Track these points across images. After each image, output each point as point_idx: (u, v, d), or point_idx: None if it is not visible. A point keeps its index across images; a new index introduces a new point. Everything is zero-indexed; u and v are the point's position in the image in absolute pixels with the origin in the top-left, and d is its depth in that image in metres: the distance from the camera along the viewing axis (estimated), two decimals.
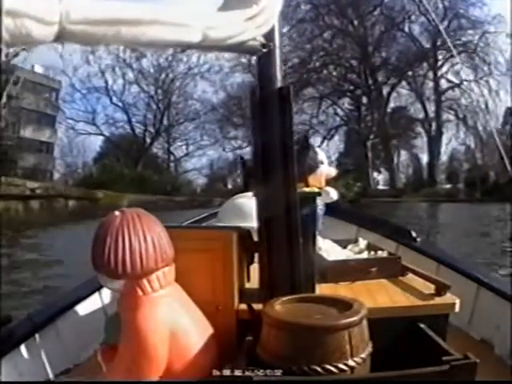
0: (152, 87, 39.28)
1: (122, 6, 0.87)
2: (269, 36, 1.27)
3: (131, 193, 26.25)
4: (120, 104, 39.31)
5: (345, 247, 1.95)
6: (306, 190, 1.66)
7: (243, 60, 35.12)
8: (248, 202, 1.89)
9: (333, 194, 1.90)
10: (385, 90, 38.40)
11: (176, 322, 1.15)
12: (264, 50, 1.28)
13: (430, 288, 1.49)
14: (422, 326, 1.31)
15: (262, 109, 1.32)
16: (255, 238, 1.42)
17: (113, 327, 1.24)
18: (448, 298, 1.42)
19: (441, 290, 1.44)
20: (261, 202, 1.36)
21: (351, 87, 39.16)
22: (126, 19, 0.86)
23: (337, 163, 39.45)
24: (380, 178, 39.74)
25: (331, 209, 2.06)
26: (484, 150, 34.99)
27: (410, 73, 37.39)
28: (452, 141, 38.28)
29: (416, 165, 39.70)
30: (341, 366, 1.01)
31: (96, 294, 2.09)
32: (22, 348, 1.64)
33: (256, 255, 1.44)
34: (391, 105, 38.80)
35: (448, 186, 37.13)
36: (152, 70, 38.78)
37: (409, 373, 1.01)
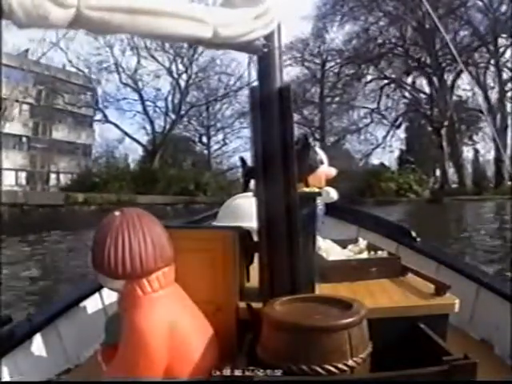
0: (170, 56, 30.11)
1: None
2: (269, 36, 1.27)
3: (133, 193, 21.68)
4: (131, 83, 30.28)
5: (345, 247, 1.95)
6: (306, 190, 1.66)
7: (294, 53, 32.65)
8: (248, 201, 1.89)
9: (333, 194, 1.90)
10: (448, 80, 34.65)
11: (176, 322, 1.15)
12: (265, 50, 1.28)
13: (429, 288, 1.49)
14: (421, 326, 1.31)
15: (262, 109, 1.32)
16: (255, 238, 1.42)
17: (113, 327, 1.24)
18: (448, 298, 1.42)
19: (441, 290, 1.44)
20: (261, 202, 1.36)
21: (417, 69, 35.02)
22: (145, 9, 0.84)
23: (400, 156, 35.73)
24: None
25: (331, 209, 2.06)
26: None
27: (470, 61, 33.16)
28: None
29: (479, 160, 35.81)
30: (341, 366, 1.01)
31: (96, 294, 2.08)
32: (23, 348, 1.63)
33: (256, 255, 1.44)
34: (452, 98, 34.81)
35: None
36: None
37: (409, 373, 1.02)
